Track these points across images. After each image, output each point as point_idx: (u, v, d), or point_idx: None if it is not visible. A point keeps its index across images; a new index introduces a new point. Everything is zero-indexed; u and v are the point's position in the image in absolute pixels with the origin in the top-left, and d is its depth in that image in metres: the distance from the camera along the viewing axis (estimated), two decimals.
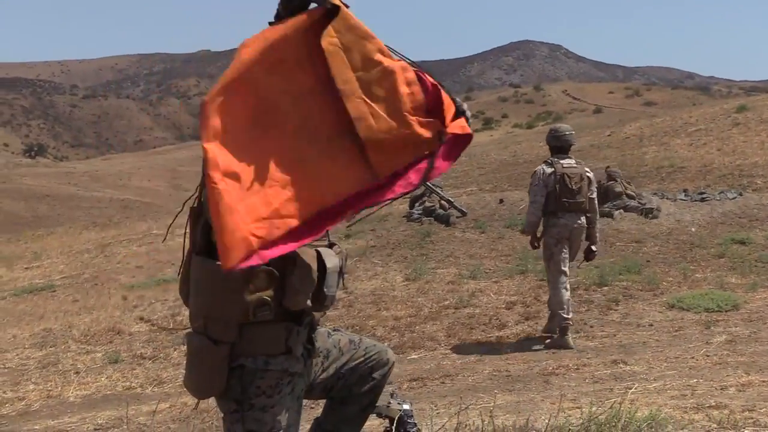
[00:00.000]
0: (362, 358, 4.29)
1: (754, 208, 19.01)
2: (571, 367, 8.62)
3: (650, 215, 18.45)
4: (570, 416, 6.41)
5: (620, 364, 8.56)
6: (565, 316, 9.96)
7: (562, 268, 10.21)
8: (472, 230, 18.05)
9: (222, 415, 3.92)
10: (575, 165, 10.34)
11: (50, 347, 11.67)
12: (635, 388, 7.19)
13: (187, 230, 3.81)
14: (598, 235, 10.58)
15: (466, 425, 6.37)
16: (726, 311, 10.92)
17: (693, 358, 8.59)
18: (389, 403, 4.71)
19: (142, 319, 12.81)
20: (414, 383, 8.63)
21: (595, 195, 10.44)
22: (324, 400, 4.41)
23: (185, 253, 3.84)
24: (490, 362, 9.23)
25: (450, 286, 13.14)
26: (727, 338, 9.42)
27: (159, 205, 59.35)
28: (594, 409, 6.18)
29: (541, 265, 13.39)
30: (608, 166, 21.70)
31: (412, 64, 3.64)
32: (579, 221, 10.27)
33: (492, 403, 7.31)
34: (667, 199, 19.97)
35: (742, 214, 18.48)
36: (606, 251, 14.48)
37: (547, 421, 6.19)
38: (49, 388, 9.63)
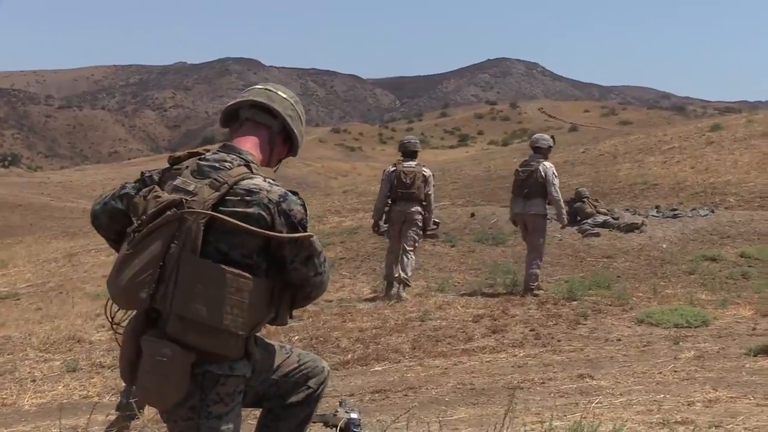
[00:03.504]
0: (296, 365, 4.14)
1: (725, 225, 18.98)
2: (537, 381, 8.46)
3: (637, 230, 18.41)
4: (533, 429, 6.28)
5: (587, 378, 8.40)
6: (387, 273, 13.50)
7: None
8: (442, 244, 17.94)
9: (169, 422, 3.76)
10: (414, 166, 13.45)
11: (8, 354, 11.42)
12: (600, 402, 7.05)
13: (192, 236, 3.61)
14: (433, 219, 13.70)
15: None
16: (695, 327, 10.78)
17: (661, 373, 8.44)
18: (336, 411, 4.55)
19: (103, 326, 12.57)
20: (376, 395, 8.46)
21: (431, 191, 13.49)
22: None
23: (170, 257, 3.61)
24: (455, 375, 9.05)
25: (417, 298, 12.99)
26: (696, 354, 9.27)
27: None
28: (555, 423, 6.04)
29: (510, 278, 13.58)
30: (577, 188, 21.57)
31: None
32: (412, 208, 13.32)
33: (454, 417, 7.18)
34: (639, 215, 19.90)
35: (714, 231, 18.44)
36: (576, 266, 14.37)
37: None
38: (4, 396, 9.38)
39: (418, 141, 14.38)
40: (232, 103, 4.11)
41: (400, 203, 13.41)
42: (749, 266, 15.24)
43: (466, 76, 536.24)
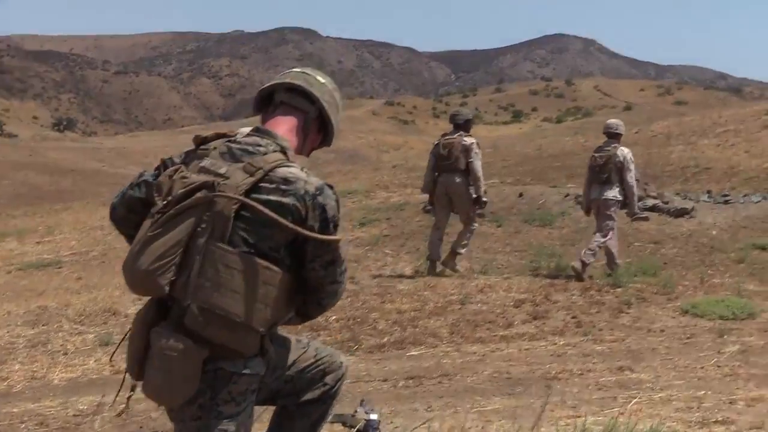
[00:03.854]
0: (312, 360, 3.95)
1: None
2: (575, 371, 8.28)
3: (687, 215, 18.03)
4: (567, 425, 6.11)
5: (626, 371, 8.21)
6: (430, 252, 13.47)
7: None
8: (488, 223, 17.67)
9: (176, 421, 3.58)
10: (455, 137, 13.40)
11: (42, 326, 11.34)
12: (639, 398, 6.87)
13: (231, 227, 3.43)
14: (481, 189, 13.37)
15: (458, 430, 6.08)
16: (741, 319, 10.50)
17: (703, 368, 8.23)
18: (356, 411, 4.40)
19: (140, 299, 12.53)
20: (410, 381, 8.31)
21: (474, 159, 13.21)
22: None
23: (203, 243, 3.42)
24: (492, 363, 8.89)
25: (459, 280, 12.75)
26: (740, 348, 9.03)
27: None
28: (590, 419, 5.88)
29: (554, 261, 13.36)
30: None
31: None
32: (456, 179, 13.30)
33: (488, 407, 7.02)
34: (689, 200, 19.51)
35: (766, 218, 18.00)
36: (623, 251, 14.06)
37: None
38: (35, 369, 9.31)
39: (464, 112, 14.36)
40: (267, 85, 3.88)
41: (443, 175, 13.40)
42: None
43: (522, 51, 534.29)
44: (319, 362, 3.97)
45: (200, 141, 3.70)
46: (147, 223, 3.48)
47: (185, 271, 3.40)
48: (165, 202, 3.45)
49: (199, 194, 3.42)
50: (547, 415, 6.42)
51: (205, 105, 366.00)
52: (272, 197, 3.44)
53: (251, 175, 3.46)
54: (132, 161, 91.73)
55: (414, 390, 7.99)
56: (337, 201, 3.59)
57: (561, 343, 9.73)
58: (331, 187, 3.58)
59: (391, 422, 6.45)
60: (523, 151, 36.47)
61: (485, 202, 13.68)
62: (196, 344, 3.37)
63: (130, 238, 3.64)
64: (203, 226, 3.41)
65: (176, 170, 3.55)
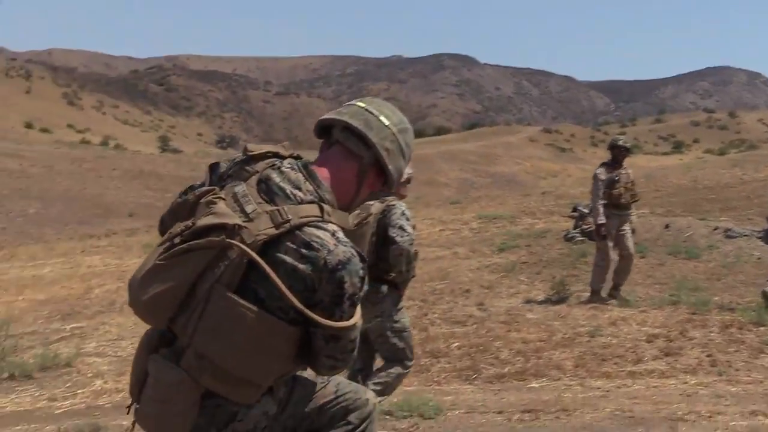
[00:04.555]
0: (332, 396, 3.60)
1: None
2: (704, 413, 7.71)
3: None
4: None
5: (760, 416, 7.62)
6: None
7: None
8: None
9: None
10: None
11: None
12: None
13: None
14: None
15: None
16: None
17: None
18: None
19: None
20: (526, 415, 7.91)
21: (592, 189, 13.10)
22: None
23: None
24: (615, 400, 8.40)
25: (591, 311, 12.26)
26: None
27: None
28: None
29: (695, 296, 12.72)
30: None
31: None
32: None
33: None
34: None
35: None
36: None
37: None
38: None
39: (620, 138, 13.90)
40: (324, 117, 3.49)
41: None
42: None
43: (684, 82, 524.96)
44: (341, 398, 3.63)
45: (250, 157, 3.37)
46: (160, 246, 3.19)
47: (187, 312, 3.11)
48: (182, 229, 3.15)
49: (214, 236, 3.08)
50: None
51: None
52: (288, 259, 3.08)
53: (276, 227, 3.10)
54: None
55: (529, 425, 7.61)
56: (362, 278, 3.19)
57: (692, 382, 9.14)
58: (363, 260, 3.19)
59: None
60: (678, 181, 35.46)
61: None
62: (193, 378, 3.10)
63: None
64: (213, 270, 3.09)
65: (207, 192, 3.25)
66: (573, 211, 20.30)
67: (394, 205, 6.99)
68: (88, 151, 76.37)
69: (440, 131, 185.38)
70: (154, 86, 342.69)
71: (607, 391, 8.83)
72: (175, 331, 3.15)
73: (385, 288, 7.00)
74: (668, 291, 13.85)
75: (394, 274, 6.97)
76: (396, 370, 7.25)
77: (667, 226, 19.61)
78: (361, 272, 3.16)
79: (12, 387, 9.87)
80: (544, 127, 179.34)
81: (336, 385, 3.64)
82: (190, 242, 3.08)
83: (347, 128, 3.39)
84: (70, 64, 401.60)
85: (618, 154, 13.15)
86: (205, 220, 3.11)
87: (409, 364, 7.33)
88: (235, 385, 3.10)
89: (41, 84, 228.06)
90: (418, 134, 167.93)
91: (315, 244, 3.08)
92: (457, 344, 10.61)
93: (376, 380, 7.20)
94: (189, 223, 3.13)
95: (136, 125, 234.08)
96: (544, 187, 45.75)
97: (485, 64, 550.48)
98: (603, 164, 13.24)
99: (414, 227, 7.17)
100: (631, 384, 9.12)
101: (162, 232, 3.42)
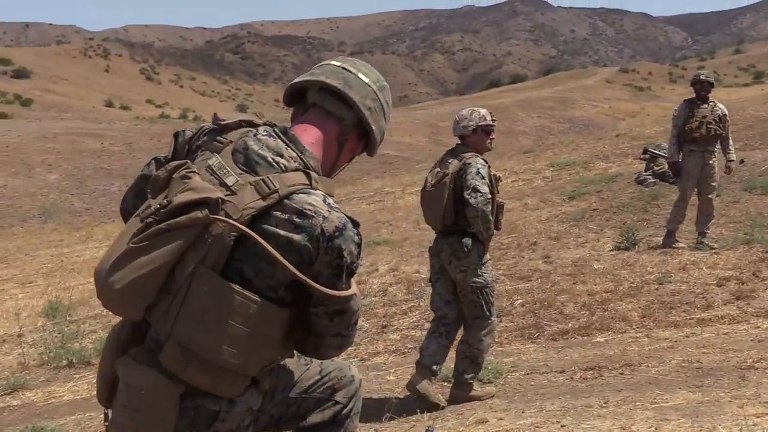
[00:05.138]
0: (317, 377, 3.41)
1: None
2: None
3: None
4: (755, 425, 5.33)
5: None
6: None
7: None
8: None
9: None
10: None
11: None
12: None
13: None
14: None
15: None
16: None
17: None
18: None
19: None
20: (588, 373, 7.69)
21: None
22: None
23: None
24: (682, 350, 8.09)
25: (660, 257, 11.85)
26: None
27: (418, 160, 59.17)
28: None
29: None
30: None
31: None
32: None
33: (669, 403, 6.28)
34: None
35: None
36: None
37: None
38: None
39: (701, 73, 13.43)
40: (298, 80, 3.24)
41: None
42: None
43: (763, 10, 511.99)
44: (326, 378, 3.44)
45: (220, 127, 3.11)
46: (132, 226, 2.91)
47: (167, 298, 2.86)
48: (156, 208, 2.87)
49: (197, 213, 2.83)
50: (735, 412, 5.67)
51: (439, 81, 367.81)
52: (281, 231, 2.85)
53: (263, 198, 2.87)
54: None
55: (592, 383, 7.39)
56: (358, 244, 2.99)
57: (764, 326, 8.78)
58: (356, 225, 2.98)
59: (557, 422, 5.85)
60: (756, 113, 34.40)
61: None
62: (170, 379, 2.85)
63: None
64: (196, 250, 2.84)
65: (179, 166, 2.96)
66: (644, 153, 19.72)
67: (469, 163, 6.94)
68: (166, 125, 76.72)
69: (516, 79, 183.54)
70: (229, 55, 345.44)
71: (675, 341, 8.53)
72: (151, 321, 2.92)
73: (469, 241, 7.00)
74: (742, 230, 13.37)
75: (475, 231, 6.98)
76: (475, 336, 7.15)
77: (742, 161, 18.97)
78: (356, 238, 2.98)
79: (70, 375, 9.87)
80: (620, 67, 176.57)
81: (319, 365, 3.45)
82: (169, 221, 2.82)
83: (324, 89, 3.16)
84: (146, 39, 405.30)
85: (700, 89, 12.73)
86: (183, 197, 2.85)
87: (488, 322, 7.16)
88: (220, 377, 2.88)
89: (119, 61, 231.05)
90: (495, 84, 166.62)
91: (308, 212, 2.87)
92: (520, 301, 10.36)
93: (464, 355, 7.17)
94: (163, 200, 2.87)
95: (214, 95, 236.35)
96: (621, 129, 44.95)
97: (559, 7, 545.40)
98: (684, 101, 12.90)
99: (499, 179, 7.15)
100: (700, 332, 8.81)
101: (124, 212, 3.20)
